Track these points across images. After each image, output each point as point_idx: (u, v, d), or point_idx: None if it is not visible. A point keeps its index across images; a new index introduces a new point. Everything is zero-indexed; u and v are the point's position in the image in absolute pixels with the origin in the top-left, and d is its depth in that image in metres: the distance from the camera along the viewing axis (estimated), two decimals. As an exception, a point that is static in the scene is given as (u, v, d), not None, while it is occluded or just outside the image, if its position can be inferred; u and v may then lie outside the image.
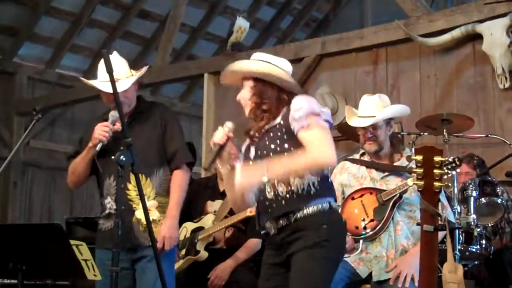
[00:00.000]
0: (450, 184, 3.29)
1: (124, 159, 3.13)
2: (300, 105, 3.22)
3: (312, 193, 3.20)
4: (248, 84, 3.41)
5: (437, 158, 2.50)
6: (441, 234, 3.78)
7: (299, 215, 3.19)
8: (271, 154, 3.25)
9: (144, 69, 4.21)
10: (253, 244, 5.07)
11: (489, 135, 5.80)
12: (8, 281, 4.99)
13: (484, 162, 5.61)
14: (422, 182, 2.52)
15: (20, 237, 3.66)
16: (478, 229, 4.89)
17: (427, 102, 6.62)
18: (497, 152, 5.73)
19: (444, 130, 5.23)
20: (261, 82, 3.37)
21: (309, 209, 3.18)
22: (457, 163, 3.36)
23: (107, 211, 4.07)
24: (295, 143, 3.21)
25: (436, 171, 2.49)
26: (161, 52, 8.72)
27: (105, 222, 4.12)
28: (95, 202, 10.19)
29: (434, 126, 5.37)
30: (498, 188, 5.09)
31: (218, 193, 5.22)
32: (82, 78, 4.25)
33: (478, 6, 6.19)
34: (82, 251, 3.70)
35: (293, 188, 3.20)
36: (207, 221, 5.10)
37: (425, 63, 6.71)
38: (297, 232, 3.19)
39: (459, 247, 4.68)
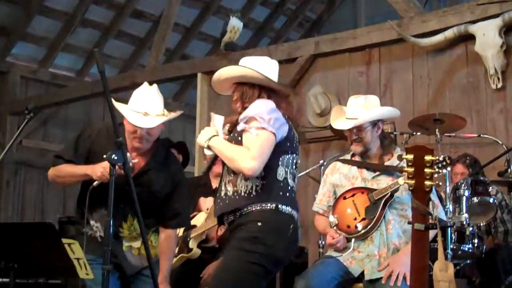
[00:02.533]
0: (440, 183, 3.30)
1: (115, 158, 3.12)
2: (249, 110, 3.35)
3: (252, 195, 3.32)
4: (234, 88, 3.56)
5: (427, 157, 2.51)
6: (433, 233, 3.81)
7: (242, 212, 3.33)
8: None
9: (178, 113, 4.09)
10: None
11: (482, 135, 5.82)
12: (1, 279, 4.99)
13: (477, 161, 5.62)
14: (413, 181, 2.52)
15: (12, 236, 3.65)
16: (471, 228, 4.91)
17: (420, 102, 6.64)
18: (490, 152, 5.75)
19: (437, 130, 5.24)
20: (241, 85, 3.51)
21: (252, 208, 3.31)
22: (448, 161, 3.37)
23: (93, 231, 4.03)
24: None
25: (427, 170, 2.50)
26: (154, 52, 8.72)
27: (93, 233, 4.06)
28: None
29: (427, 126, 5.38)
30: (491, 188, 5.11)
31: (211, 190, 5.22)
32: (114, 101, 3.81)
33: (470, 7, 6.21)
34: (74, 250, 3.69)
35: (238, 189, 3.36)
36: (200, 219, 5.11)
37: (418, 63, 6.73)
38: (238, 227, 3.33)
39: (451, 246, 4.69)
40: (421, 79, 6.69)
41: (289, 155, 3.42)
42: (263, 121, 3.28)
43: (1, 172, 9.53)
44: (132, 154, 3.91)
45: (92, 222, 4.03)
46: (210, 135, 3.45)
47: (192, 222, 5.11)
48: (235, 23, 7.81)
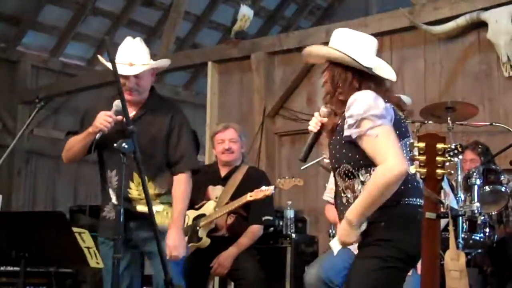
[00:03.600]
0: (452, 172, 3.24)
1: (126, 146, 3.11)
2: (352, 109, 2.95)
3: None
4: (326, 66, 3.19)
5: (439, 146, 2.48)
6: (443, 222, 3.78)
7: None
8: (333, 160, 3.09)
9: (164, 61, 4.13)
10: (255, 230, 5.07)
11: (494, 123, 5.77)
12: (12, 268, 5.02)
13: (489, 150, 5.58)
14: (425, 170, 2.50)
15: (23, 225, 3.66)
16: (482, 217, 4.90)
17: (431, 90, 6.60)
18: (502, 140, 5.71)
19: (449, 118, 5.21)
20: (334, 65, 3.12)
21: (375, 211, 2.94)
22: (459, 149, 3.35)
23: (113, 201, 3.99)
24: (353, 148, 2.99)
25: (438, 158, 2.48)
26: (165, 40, 8.71)
27: (110, 211, 4.05)
28: (99, 190, 10.21)
29: (439, 114, 5.34)
30: (502, 176, 5.07)
31: (220, 178, 5.21)
32: (100, 57, 4.10)
33: (483, -6, 6.16)
34: (85, 239, 3.70)
35: (357, 195, 2.99)
36: (209, 207, 5.10)
37: (429, 51, 6.69)
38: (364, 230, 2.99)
39: (462, 235, 4.68)
40: (433, 66, 6.65)
41: (401, 141, 2.98)
42: (375, 117, 2.89)
43: (12, 161, 9.56)
44: (130, 108, 3.85)
45: (108, 192, 4.00)
46: (346, 229, 2.97)
47: (201, 211, 5.10)
48: (245, 11, 7.79)
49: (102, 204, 4.18)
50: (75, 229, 3.65)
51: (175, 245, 3.90)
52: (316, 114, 3.23)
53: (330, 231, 5.56)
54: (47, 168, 10.03)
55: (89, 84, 9.47)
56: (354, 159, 2.99)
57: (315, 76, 7.24)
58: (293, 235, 5.66)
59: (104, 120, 3.82)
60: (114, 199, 3.92)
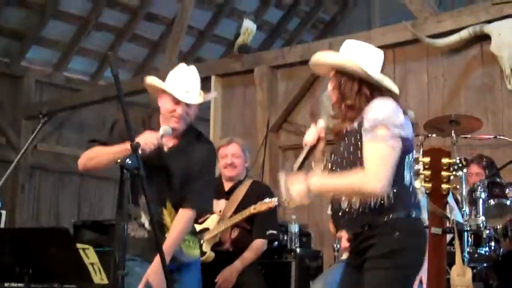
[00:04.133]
0: (458, 186, 3.24)
1: (130, 162, 3.09)
2: (373, 114, 2.99)
3: (385, 206, 2.98)
4: (332, 75, 3.22)
5: (444, 160, 2.47)
6: (449, 237, 3.77)
7: (372, 225, 3.01)
8: (343, 163, 3.08)
9: (214, 94, 4.10)
10: (260, 244, 5.06)
11: (498, 136, 5.75)
12: (16, 284, 4.99)
13: (493, 163, 5.57)
14: (430, 184, 2.49)
15: (26, 241, 3.65)
16: (487, 231, 4.87)
17: (435, 103, 6.60)
18: (506, 153, 5.70)
19: (452, 132, 5.19)
20: (340, 74, 3.16)
21: (383, 219, 2.98)
22: (463, 163, 3.34)
23: (141, 221, 3.89)
24: None
25: (444, 173, 2.47)
26: (168, 54, 8.73)
27: (137, 231, 3.90)
28: (103, 205, 10.21)
29: (442, 127, 5.33)
30: (507, 190, 5.05)
31: (223, 192, 5.20)
32: (154, 80, 3.97)
33: (485, 7, 6.16)
34: (89, 255, 3.69)
35: (365, 201, 3.01)
36: (212, 221, 5.09)
37: (432, 64, 6.69)
38: (369, 239, 3.02)
39: (468, 249, 4.64)
40: (436, 80, 6.65)
41: (410, 154, 2.99)
42: (395, 127, 2.93)
43: (16, 176, 9.56)
44: (166, 138, 3.85)
45: (138, 214, 3.89)
46: (303, 182, 3.04)
47: (205, 225, 5.09)
48: (248, 25, 7.80)
49: (120, 221, 4.07)
50: (79, 245, 3.64)
51: (153, 277, 3.76)
52: (312, 126, 3.26)
53: (335, 245, 5.54)
54: (51, 183, 10.03)
55: (92, 99, 9.49)
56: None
57: (318, 89, 7.24)
58: (298, 250, 5.63)
59: (150, 141, 3.69)
60: (146, 224, 3.85)
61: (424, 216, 3.16)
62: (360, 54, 3.16)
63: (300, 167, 3.26)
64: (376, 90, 3.11)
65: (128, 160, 3.08)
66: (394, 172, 2.88)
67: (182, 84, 3.88)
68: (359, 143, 3.01)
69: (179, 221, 3.91)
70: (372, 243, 3.00)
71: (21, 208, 9.67)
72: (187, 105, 3.87)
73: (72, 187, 10.06)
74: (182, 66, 4.03)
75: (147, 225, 3.86)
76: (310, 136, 3.24)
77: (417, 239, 2.98)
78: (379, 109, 2.99)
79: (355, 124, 3.10)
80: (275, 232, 5.16)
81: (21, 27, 9.43)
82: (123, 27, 10.03)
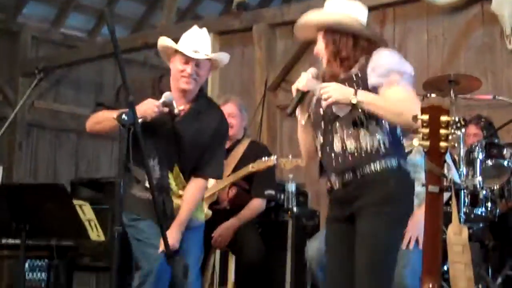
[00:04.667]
0: (456, 145, 3.25)
1: (126, 118, 3.09)
2: (383, 60, 3.07)
3: (381, 152, 3.06)
4: (321, 36, 3.23)
5: (443, 118, 2.44)
6: (446, 196, 3.76)
7: (366, 170, 3.06)
8: (344, 106, 3.10)
9: (224, 55, 4.17)
10: (257, 204, 5.07)
11: (497, 97, 5.72)
12: (13, 241, 5.02)
13: (492, 124, 5.55)
14: (428, 143, 2.47)
15: (23, 197, 3.66)
16: (484, 192, 4.87)
17: (434, 62, 6.56)
18: (505, 114, 5.67)
19: (451, 91, 5.16)
20: (333, 32, 3.18)
21: (377, 165, 3.05)
22: (462, 123, 3.31)
23: (146, 185, 3.84)
24: None
25: (442, 131, 2.44)
26: (166, 12, 8.65)
27: (144, 193, 3.89)
28: (101, 162, 10.21)
29: (441, 87, 5.29)
30: (505, 151, 5.04)
31: None
32: (165, 39, 4.05)
33: (487, -35, 6.10)
34: (86, 211, 3.72)
35: (362, 145, 3.07)
36: (210, 180, 5.09)
37: (432, 23, 6.63)
38: (363, 187, 3.07)
39: (464, 209, 4.66)
40: (436, 39, 6.60)
41: None
42: (406, 75, 3.07)
43: (14, 133, 9.54)
44: (178, 101, 3.90)
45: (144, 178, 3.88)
46: (349, 90, 3.04)
47: None
48: (247, -18, 7.72)
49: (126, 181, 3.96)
50: (75, 202, 3.66)
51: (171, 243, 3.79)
52: (303, 74, 3.24)
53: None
54: (48, 140, 10.01)
55: (90, 56, 9.41)
56: None
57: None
58: (294, 209, 5.63)
59: (151, 109, 3.76)
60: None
61: (422, 175, 3.17)
62: (348, 11, 3.21)
63: (292, 112, 3.26)
64: (371, 42, 3.18)
65: (124, 115, 3.08)
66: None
67: (192, 43, 3.94)
68: (361, 88, 3.07)
69: (193, 189, 3.99)
70: (367, 191, 3.05)
71: (18, 166, 9.66)
72: (197, 65, 3.91)
73: (70, 145, 10.05)
74: (194, 28, 4.09)
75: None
76: (303, 82, 3.21)
77: (409, 189, 3.14)
78: (389, 57, 3.10)
79: (354, 70, 3.15)
80: (273, 192, 5.17)
81: (18, -18, 9.33)
82: (121, -17, 9.92)
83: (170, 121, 3.89)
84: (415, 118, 2.49)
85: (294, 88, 3.24)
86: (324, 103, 3.14)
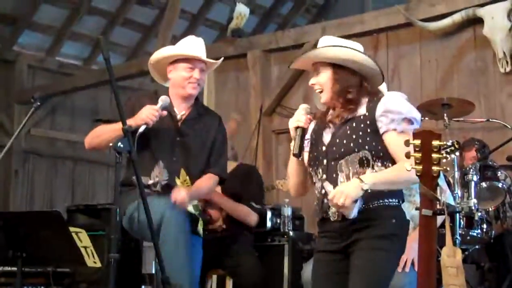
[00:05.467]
0: (448, 169, 3.27)
1: (122, 146, 3.11)
2: (396, 106, 3.09)
3: (384, 191, 3.09)
4: (325, 70, 3.23)
5: (435, 142, 2.48)
6: (441, 219, 3.79)
7: (369, 207, 3.08)
8: (351, 144, 3.12)
9: (219, 61, 4.23)
10: (250, 215, 5.07)
11: (490, 120, 5.77)
12: (9, 268, 5.00)
13: (485, 146, 5.58)
14: (420, 167, 2.50)
15: (19, 225, 3.66)
16: (479, 214, 4.89)
17: (428, 86, 6.61)
18: (498, 136, 5.71)
19: (445, 115, 5.20)
20: (341, 68, 3.20)
21: (380, 203, 3.09)
22: (456, 146, 3.33)
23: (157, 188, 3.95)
24: (377, 139, 3.11)
25: (434, 155, 2.47)
26: (161, 39, 8.69)
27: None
28: (96, 189, 10.21)
29: (435, 110, 5.34)
30: (499, 173, 5.08)
31: None
32: (169, 50, 4.22)
33: (478, -10, 6.16)
34: (82, 238, 3.71)
35: None
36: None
37: (425, 47, 6.69)
38: (365, 221, 3.07)
39: (460, 231, 4.67)
40: (429, 63, 6.65)
41: None
42: (416, 122, 3.10)
43: (10, 161, 9.54)
44: (179, 107, 4.05)
45: (153, 175, 3.96)
46: (355, 184, 3.01)
47: None
48: (241, 9, 7.79)
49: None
50: (72, 229, 3.66)
51: (184, 195, 3.86)
52: (299, 109, 3.27)
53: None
54: (45, 168, 10.01)
55: (85, 84, 9.47)
56: (377, 149, 3.11)
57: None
58: (291, 233, 5.66)
59: (151, 113, 3.82)
60: (158, 187, 3.93)
61: (417, 198, 3.20)
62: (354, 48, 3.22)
63: (300, 151, 3.24)
64: (370, 82, 3.22)
65: (120, 143, 3.11)
66: None
67: (194, 50, 4.06)
68: (368, 129, 3.11)
69: (207, 180, 4.08)
70: (368, 224, 3.07)
71: (15, 193, 9.67)
72: (201, 70, 4.04)
73: (66, 172, 10.05)
74: (190, 37, 4.22)
75: (158, 187, 3.93)
76: (301, 119, 3.24)
77: (406, 228, 3.20)
78: (402, 104, 3.11)
79: (362, 111, 3.17)
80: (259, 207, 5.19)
81: (13, 11, 9.38)
82: (116, 11, 9.99)
83: (173, 126, 4.00)
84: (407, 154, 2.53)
85: (292, 127, 3.26)
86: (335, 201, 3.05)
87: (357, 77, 3.19)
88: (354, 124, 3.16)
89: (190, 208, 3.94)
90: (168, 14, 8.73)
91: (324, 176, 3.20)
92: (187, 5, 9.83)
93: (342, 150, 3.14)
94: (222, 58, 4.28)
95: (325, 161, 3.21)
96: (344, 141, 3.16)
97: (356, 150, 3.11)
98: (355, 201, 2.99)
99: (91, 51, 10.38)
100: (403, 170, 2.82)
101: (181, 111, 4.06)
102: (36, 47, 10.07)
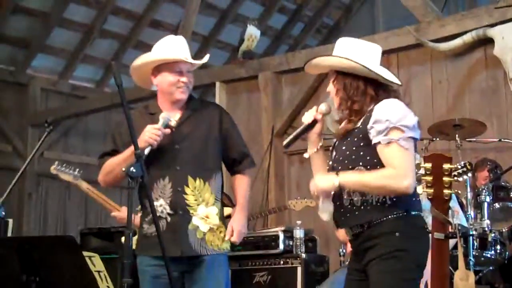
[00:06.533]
0: (460, 192, 3.26)
1: (134, 171, 3.10)
2: (384, 115, 3.00)
3: (387, 204, 3.01)
4: (333, 76, 3.22)
5: (446, 166, 2.49)
6: (454, 240, 3.77)
7: (372, 223, 3.02)
8: (346, 161, 3.10)
9: (206, 58, 4.06)
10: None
11: (502, 140, 5.76)
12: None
13: (498, 166, 5.57)
14: (432, 190, 2.50)
15: (33, 249, 3.67)
16: (493, 235, 4.88)
17: (439, 107, 6.60)
18: (511, 156, 5.70)
19: (457, 135, 5.20)
20: (344, 74, 3.16)
21: (383, 218, 3.00)
22: (468, 168, 3.34)
23: (167, 211, 3.77)
24: (372, 152, 3.04)
25: (445, 178, 2.48)
26: (173, 61, 8.73)
27: (150, 227, 3.80)
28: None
29: (447, 131, 5.35)
30: (512, 193, 5.07)
31: None
32: (149, 56, 3.98)
33: (488, 11, 6.17)
34: (95, 263, 3.72)
35: (367, 198, 3.04)
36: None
37: (436, 68, 6.69)
38: (370, 240, 3.03)
39: (473, 252, 4.65)
40: (440, 84, 6.66)
41: (414, 155, 3.04)
42: (408, 129, 2.96)
43: (23, 184, 9.59)
44: (171, 112, 3.81)
45: (155, 205, 3.72)
46: (330, 177, 3.07)
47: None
48: (252, 31, 7.83)
49: (141, 221, 3.94)
50: (85, 253, 3.67)
51: (240, 230, 3.80)
52: (314, 108, 3.27)
53: (341, 250, 5.56)
54: (58, 191, 10.04)
55: (98, 106, 9.52)
56: (372, 163, 3.04)
57: (322, 94, 7.25)
58: (303, 255, 5.65)
59: (153, 134, 3.67)
60: (168, 209, 3.75)
61: (429, 220, 3.19)
62: (359, 52, 3.17)
63: (289, 143, 3.26)
64: (380, 88, 3.14)
65: (132, 168, 3.10)
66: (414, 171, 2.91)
67: (180, 52, 3.86)
68: (362, 143, 3.05)
69: (244, 187, 3.94)
70: (374, 243, 3.01)
71: (28, 216, 9.70)
72: (188, 73, 3.85)
73: (79, 195, 10.04)
74: (169, 37, 4.02)
75: (168, 209, 3.76)
76: (307, 116, 3.25)
77: (417, 238, 3.00)
78: (391, 111, 3.01)
79: (358, 123, 3.11)
80: None
81: (26, 35, 9.46)
82: (128, 34, 10.06)
83: (170, 136, 3.75)
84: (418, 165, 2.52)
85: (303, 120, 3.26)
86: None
87: (362, 82, 3.13)
88: (349, 139, 3.13)
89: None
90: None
91: (333, 192, 3.18)
92: (199, 27, 9.89)
93: (340, 168, 3.12)
94: (208, 56, 4.10)
95: None
96: (341, 158, 3.14)
97: (350, 167, 3.08)
98: (330, 197, 3.04)
99: (103, 73, 10.45)
100: (382, 177, 2.88)
101: (174, 115, 3.82)
102: (49, 70, 10.15)
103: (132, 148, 3.52)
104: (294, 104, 7.55)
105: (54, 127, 4.47)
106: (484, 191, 4.95)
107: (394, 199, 2.99)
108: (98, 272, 3.70)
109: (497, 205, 4.97)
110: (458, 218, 4.19)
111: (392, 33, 6.89)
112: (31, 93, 9.96)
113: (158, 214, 3.70)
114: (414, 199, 3.03)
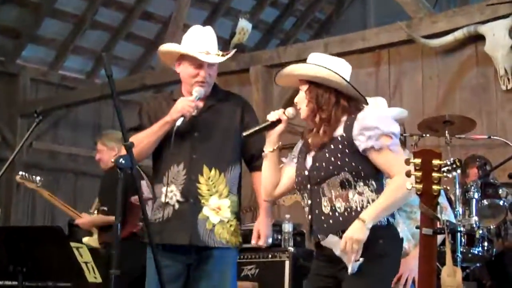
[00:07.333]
0: (448, 188, 3.27)
1: (123, 162, 3.09)
2: (373, 123, 3.02)
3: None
4: (303, 87, 3.19)
5: (435, 162, 2.48)
6: (442, 236, 3.78)
7: None
8: (330, 167, 3.08)
9: (232, 52, 3.95)
10: None
11: (492, 137, 5.78)
12: (10, 282, 5.01)
13: (487, 163, 5.58)
14: (421, 186, 2.50)
15: (20, 240, 3.66)
16: (480, 231, 4.89)
17: (429, 103, 6.62)
18: (500, 153, 5.72)
19: (446, 132, 5.21)
20: (316, 85, 3.14)
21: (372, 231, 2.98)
22: (457, 164, 3.35)
23: (164, 200, 3.65)
24: (357, 159, 3.05)
25: (434, 174, 2.48)
26: (164, 53, 8.71)
27: (157, 213, 3.70)
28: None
29: (437, 127, 5.35)
30: (501, 190, 5.07)
31: None
32: (172, 46, 3.90)
33: (480, 7, 6.19)
34: (83, 254, 3.71)
35: (351, 205, 3.05)
36: None
37: (427, 64, 6.71)
38: None
39: (461, 249, 4.67)
40: (430, 80, 6.67)
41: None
42: (395, 137, 3.03)
43: (12, 174, 9.53)
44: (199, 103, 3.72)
45: (165, 190, 3.65)
46: (358, 226, 2.96)
47: None
48: (244, 24, 7.81)
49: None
50: (72, 244, 3.66)
51: (266, 234, 3.78)
52: (281, 109, 3.27)
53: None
54: (46, 181, 9.99)
55: (88, 97, 9.50)
56: (357, 170, 3.05)
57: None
58: (292, 249, 5.66)
59: (187, 105, 3.62)
60: (178, 196, 3.66)
61: (418, 216, 3.19)
62: (331, 66, 3.14)
63: (248, 135, 3.33)
64: (352, 100, 3.16)
65: (121, 159, 3.09)
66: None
67: (201, 45, 3.78)
68: (346, 149, 3.06)
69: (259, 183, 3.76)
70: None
71: (16, 207, 9.67)
72: (209, 66, 3.75)
73: (68, 186, 10.06)
74: (198, 27, 3.92)
75: (179, 197, 3.68)
76: (275, 115, 3.25)
77: (397, 246, 3.14)
78: (378, 119, 3.05)
79: (339, 132, 3.11)
80: None
81: (17, 25, 9.42)
82: (119, 26, 10.02)
83: (189, 122, 3.68)
84: (408, 173, 2.53)
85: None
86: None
87: (333, 95, 3.12)
88: (332, 146, 3.11)
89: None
90: (171, 29, 8.77)
91: (309, 201, 3.18)
92: (190, 20, 9.85)
93: (322, 174, 3.10)
94: (234, 51, 4.02)
95: (308, 186, 3.18)
96: (324, 165, 3.11)
97: (335, 173, 3.06)
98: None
99: (94, 65, 10.41)
100: (398, 189, 2.91)
101: (196, 105, 3.72)
102: (39, 60, 10.11)
103: (160, 122, 3.62)
104: (285, 98, 7.54)
105: (43, 117, 4.43)
106: (472, 187, 4.97)
107: None
108: (86, 263, 3.69)
109: (485, 202, 4.98)
110: (446, 214, 4.17)
111: (383, 29, 6.90)
112: (21, 83, 9.93)
113: (166, 200, 3.65)
114: None
